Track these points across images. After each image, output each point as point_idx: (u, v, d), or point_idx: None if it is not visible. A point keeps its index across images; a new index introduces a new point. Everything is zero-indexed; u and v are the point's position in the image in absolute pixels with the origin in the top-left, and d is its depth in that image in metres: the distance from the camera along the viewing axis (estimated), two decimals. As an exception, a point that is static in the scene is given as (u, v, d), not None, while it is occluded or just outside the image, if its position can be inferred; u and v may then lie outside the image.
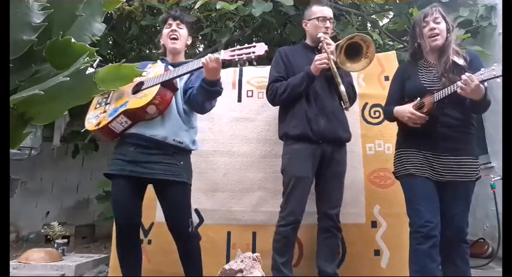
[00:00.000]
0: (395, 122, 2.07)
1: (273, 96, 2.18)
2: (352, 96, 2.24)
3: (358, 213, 2.39)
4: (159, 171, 1.82)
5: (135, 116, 1.83)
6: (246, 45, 1.71)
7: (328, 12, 2.25)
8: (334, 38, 2.31)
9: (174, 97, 1.90)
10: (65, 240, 3.23)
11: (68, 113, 4.42)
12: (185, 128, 1.94)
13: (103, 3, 0.90)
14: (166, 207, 1.91)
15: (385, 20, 4.61)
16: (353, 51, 2.01)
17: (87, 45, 0.78)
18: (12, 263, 2.75)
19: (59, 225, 3.26)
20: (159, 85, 1.81)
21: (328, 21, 2.21)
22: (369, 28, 4.11)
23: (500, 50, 3.05)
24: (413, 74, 1.98)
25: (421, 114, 1.83)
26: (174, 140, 1.86)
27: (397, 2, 3.81)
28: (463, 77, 1.69)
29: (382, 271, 2.30)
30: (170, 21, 2.10)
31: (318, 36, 2.15)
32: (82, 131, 1.98)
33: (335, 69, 2.03)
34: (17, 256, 3.00)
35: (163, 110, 1.84)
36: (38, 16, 0.75)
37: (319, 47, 2.14)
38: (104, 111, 1.90)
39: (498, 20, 3.63)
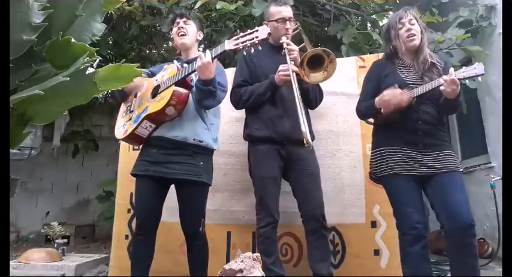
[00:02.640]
0: (374, 121, 2.07)
1: (236, 102, 2.21)
2: (319, 97, 2.26)
3: (358, 213, 2.38)
4: (180, 171, 1.90)
5: (157, 119, 1.90)
6: (249, 31, 1.69)
7: (286, 12, 2.21)
8: (296, 37, 2.29)
9: (190, 94, 1.92)
10: (65, 240, 3.23)
11: (68, 113, 4.43)
12: (205, 126, 1.98)
13: (103, 3, 0.90)
14: (182, 205, 1.98)
15: (385, 20, 4.60)
16: (316, 62, 1.99)
17: (87, 45, 0.78)
18: (12, 263, 2.75)
19: (59, 225, 3.26)
20: (173, 86, 1.84)
21: (287, 22, 2.19)
22: (369, 28, 4.11)
23: (500, 50, 3.05)
24: (392, 72, 1.97)
25: (408, 96, 1.82)
26: (194, 140, 1.92)
27: (397, 2, 3.81)
28: (445, 77, 1.72)
29: (382, 271, 2.30)
30: (177, 19, 2.13)
31: (280, 41, 2.13)
32: (117, 140, 2.10)
33: (295, 84, 1.98)
34: (17, 256, 3.00)
35: (181, 109, 1.89)
36: (38, 16, 0.75)
37: (282, 53, 2.11)
38: (130, 119, 2.00)
39: (498, 20, 3.63)
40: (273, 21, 2.22)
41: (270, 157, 2.09)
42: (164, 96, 1.85)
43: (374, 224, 2.37)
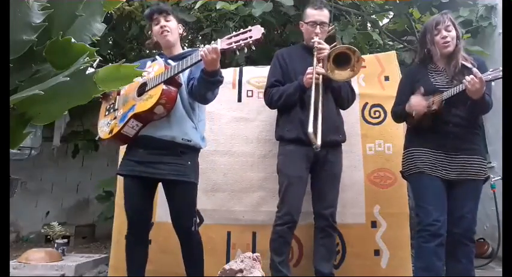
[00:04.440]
0: (403, 122, 2.12)
1: (269, 102, 2.24)
2: (351, 97, 2.27)
3: (358, 213, 2.39)
4: (167, 171, 1.87)
5: (145, 118, 1.85)
6: (242, 30, 1.65)
7: (320, 16, 2.21)
8: (332, 39, 2.31)
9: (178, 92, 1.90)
10: (65, 240, 3.22)
11: (68, 113, 4.42)
12: (192, 124, 1.95)
13: (103, 3, 0.90)
14: (172, 205, 1.95)
15: (385, 20, 4.61)
16: (342, 59, 2.01)
17: (87, 45, 0.78)
18: (12, 263, 2.75)
19: (59, 225, 3.25)
20: (162, 84, 1.81)
21: (318, 26, 2.19)
22: (369, 28, 4.11)
23: (500, 50, 3.04)
24: (423, 77, 2.02)
25: (424, 101, 1.88)
26: (182, 139, 1.89)
27: (397, 2, 3.80)
28: (470, 76, 1.74)
29: (382, 271, 2.30)
30: (156, 15, 2.03)
31: (312, 40, 2.16)
32: (97, 138, 2.02)
33: (320, 86, 2.03)
34: (17, 256, 2.99)
35: (170, 108, 1.85)
36: (38, 16, 0.75)
37: (313, 53, 2.13)
38: (114, 118, 1.94)
39: (498, 20, 3.63)
40: (305, 23, 2.25)
41: (298, 158, 2.11)
42: (153, 95, 1.81)
43: (374, 224, 2.37)
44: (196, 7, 3.35)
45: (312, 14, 2.23)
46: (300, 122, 2.11)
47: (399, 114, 2.09)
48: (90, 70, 0.77)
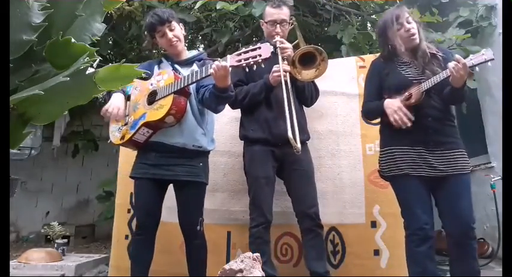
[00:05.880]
0: (381, 119, 2.03)
1: (232, 102, 2.16)
2: (315, 94, 2.26)
3: (358, 213, 2.39)
4: (180, 173, 1.93)
5: (155, 126, 1.92)
6: (251, 47, 1.67)
7: (279, 15, 2.18)
8: (292, 34, 2.26)
9: (188, 101, 1.94)
10: (65, 240, 3.23)
11: (68, 113, 4.42)
12: (201, 130, 1.99)
13: (103, 3, 0.90)
14: (181, 205, 1.99)
15: (385, 20, 4.60)
16: (308, 59, 2.01)
17: (87, 45, 0.78)
18: (12, 263, 2.75)
19: (59, 225, 3.25)
20: (172, 94, 1.85)
21: (278, 25, 2.16)
22: (369, 28, 4.11)
23: (500, 50, 3.04)
24: (393, 70, 1.95)
25: (408, 113, 1.80)
26: (193, 146, 1.95)
27: (397, 2, 3.81)
28: (453, 63, 1.69)
29: (382, 271, 2.30)
30: (160, 28, 2.00)
31: (273, 40, 2.13)
32: (108, 142, 2.09)
33: (286, 86, 2.01)
34: (17, 256, 3.00)
35: (180, 118, 1.91)
36: (38, 16, 0.75)
37: (276, 52, 2.09)
38: (125, 124, 1.99)
39: (498, 20, 3.63)
40: (265, 22, 2.23)
41: (263, 158, 2.10)
42: (163, 105, 1.86)
43: (374, 224, 2.37)
44: (196, 7, 3.36)
45: (271, 13, 2.20)
46: (266, 122, 2.11)
47: (373, 109, 2.00)
48: (90, 70, 0.77)
